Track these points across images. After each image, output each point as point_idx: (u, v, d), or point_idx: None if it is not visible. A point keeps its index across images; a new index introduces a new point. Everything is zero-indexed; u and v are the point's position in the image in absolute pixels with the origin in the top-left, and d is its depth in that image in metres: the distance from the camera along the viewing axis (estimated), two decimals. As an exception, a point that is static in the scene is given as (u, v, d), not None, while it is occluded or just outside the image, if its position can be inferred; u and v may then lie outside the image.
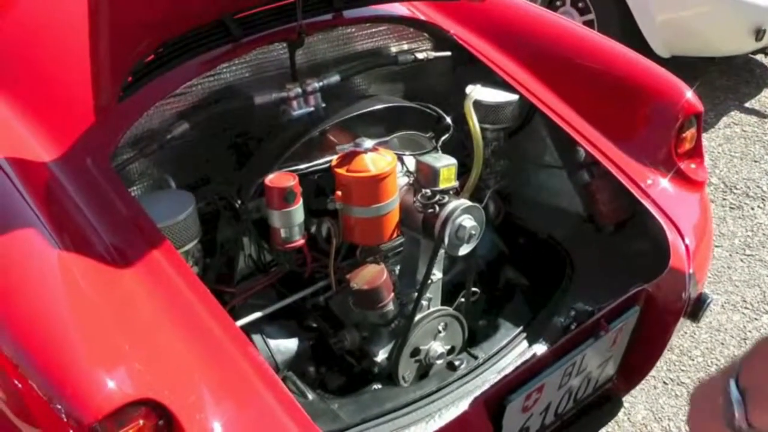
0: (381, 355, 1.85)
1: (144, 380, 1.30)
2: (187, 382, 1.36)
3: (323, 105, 2.01)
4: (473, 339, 1.96)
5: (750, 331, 2.84)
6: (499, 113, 2.11)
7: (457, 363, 1.86)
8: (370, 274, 1.78)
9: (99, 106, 1.65)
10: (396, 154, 1.88)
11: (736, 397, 0.83)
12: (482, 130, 2.02)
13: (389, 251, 1.88)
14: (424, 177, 1.85)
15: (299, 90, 1.97)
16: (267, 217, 1.78)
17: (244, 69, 2.00)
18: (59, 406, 1.25)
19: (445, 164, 1.84)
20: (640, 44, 3.98)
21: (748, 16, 3.99)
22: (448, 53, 2.31)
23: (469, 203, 1.78)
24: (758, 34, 4.01)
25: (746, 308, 2.95)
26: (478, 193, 2.10)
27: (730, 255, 3.23)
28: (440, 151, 2.01)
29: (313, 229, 1.85)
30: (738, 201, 3.58)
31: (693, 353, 2.74)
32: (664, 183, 2.04)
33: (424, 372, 1.87)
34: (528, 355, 1.85)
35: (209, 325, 1.46)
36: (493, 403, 1.62)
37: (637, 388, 2.36)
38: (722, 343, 2.79)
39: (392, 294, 1.81)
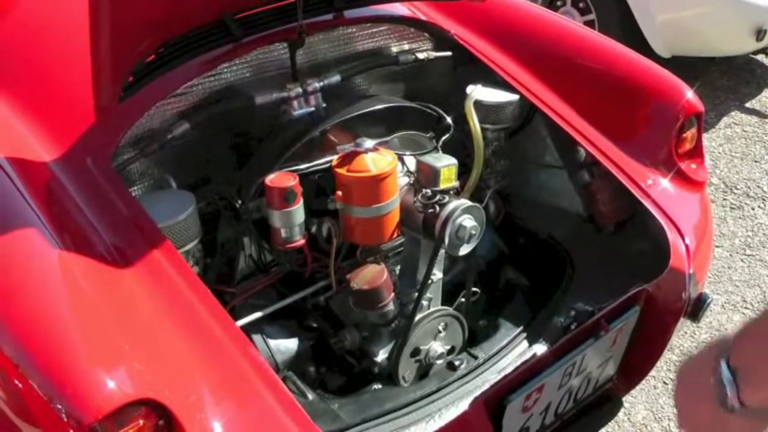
0: (381, 355, 1.85)
1: (144, 380, 1.30)
2: (188, 382, 1.37)
3: (324, 105, 2.01)
4: (473, 339, 1.96)
5: (750, 332, 2.84)
6: (500, 113, 2.11)
7: (457, 363, 1.86)
8: (371, 274, 1.78)
9: (100, 106, 1.65)
10: (396, 154, 1.88)
11: (728, 377, 0.83)
12: (483, 130, 2.02)
13: (389, 251, 1.88)
14: (425, 177, 1.86)
15: (300, 90, 1.97)
16: (267, 217, 1.78)
17: (244, 69, 2.00)
18: (59, 406, 1.25)
19: (446, 164, 1.84)
20: (641, 44, 3.97)
21: (749, 16, 3.99)
22: (449, 53, 2.31)
23: (469, 203, 1.78)
24: (759, 34, 4.01)
25: (746, 308, 2.95)
26: (479, 193, 2.10)
27: (731, 255, 3.23)
28: (441, 151, 2.01)
29: (314, 229, 1.85)
30: (738, 201, 3.58)
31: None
32: (665, 183, 2.04)
33: (424, 372, 1.87)
34: (528, 355, 1.85)
35: (209, 325, 1.46)
36: (493, 403, 1.62)
37: (637, 388, 2.36)
38: (722, 343, 2.78)
39: (392, 294, 1.81)
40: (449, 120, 2.12)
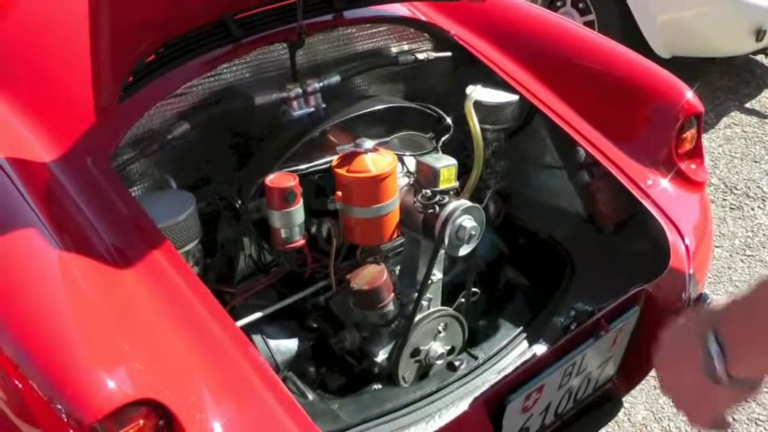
0: (381, 356, 1.85)
1: (144, 380, 1.30)
2: (188, 382, 1.36)
3: (323, 105, 2.01)
4: (473, 339, 1.96)
5: (750, 332, 2.84)
6: (500, 114, 2.11)
7: (457, 363, 1.86)
8: (371, 275, 1.78)
9: (100, 106, 1.65)
10: (396, 154, 1.88)
11: (717, 351, 0.84)
12: (482, 130, 2.02)
13: (389, 251, 1.88)
14: (425, 177, 1.86)
15: (300, 90, 1.97)
16: (267, 217, 1.78)
17: (244, 69, 2.00)
18: (59, 406, 1.25)
19: (446, 165, 1.84)
20: (641, 45, 3.98)
21: (749, 17, 3.99)
22: (449, 54, 2.31)
23: (469, 204, 1.78)
24: (759, 34, 4.01)
25: (746, 309, 2.95)
26: (479, 194, 2.10)
27: (731, 255, 3.23)
28: (440, 152, 2.01)
29: (314, 229, 1.85)
30: (738, 201, 3.58)
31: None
32: (665, 183, 2.04)
33: (424, 372, 1.87)
34: (528, 356, 1.84)
35: (210, 326, 1.46)
36: (493, 403, 1.62)
37: (637, 388, 2.36)
38: (722, 344, 2.78)
39: (392, 294, 1.81)
40: (449, 120, 2.12)
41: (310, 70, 2.08)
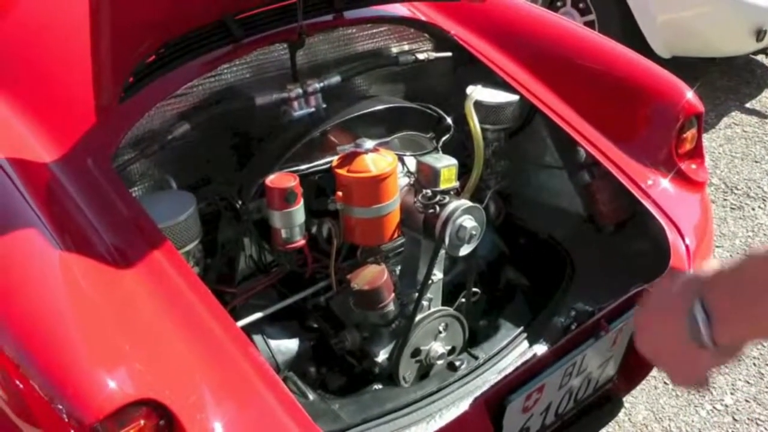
0: (382, 356, 1.85)
1: (145, 380, 1.30)
2: (188, 382, 1.37)
3: (324, 105, 2.01)
4: (474, 339, 1.96)
5: (750, 332, 2.84)
6: (500, 114, 2.11)
7: (457, 363, 1.86)
8: (371, 275, 1.79)
9: (100, 107, 1.65)
10: (397, 154, 1.88)
11: (703, 318, 0.85)
12: (483, 130, 2.02)
13: (390, 252, 1.88)
14: (425, 177, 1.86)
15: (300, 90, 1.97)
16: (268, 217, 1.78)
17: (245, 70, 2.00)
18: (60, 406, 1.25)
19: (446, 165, 1.84)
20: (641, 45, 3.98)
21: (749, 17, 3.99)
22: (449, 54, 2.31)
23: (469, 204, 1.78)
24: (759, 34, 4.01)
25: (747, 309, 2.94)
26: (479, 194, 2.10)
27: (731, 255, 3.23)
28: (441, 152, 2.01)
29: (314, 229, 1.85)
30: (739, 201, 3.58)
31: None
32: (665, 183, 2.04)
33: (424, 372, 1.87)
34: (528, 356, 1.84)
35: (210, 326, 1.46)
36: (494, 403, 1.62)
37: (638, 388, 2.36)
38: (723, 344, 2.78)
39: (393, 294, 1.81)
40: (449, 120, 2.12)
41: (311, 71, 2.08)
